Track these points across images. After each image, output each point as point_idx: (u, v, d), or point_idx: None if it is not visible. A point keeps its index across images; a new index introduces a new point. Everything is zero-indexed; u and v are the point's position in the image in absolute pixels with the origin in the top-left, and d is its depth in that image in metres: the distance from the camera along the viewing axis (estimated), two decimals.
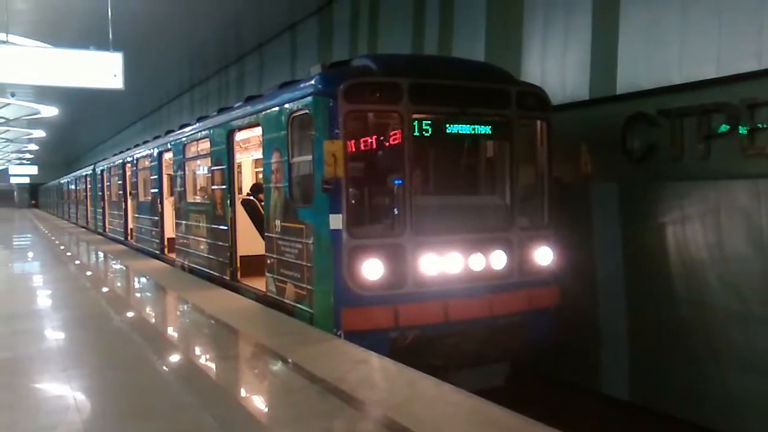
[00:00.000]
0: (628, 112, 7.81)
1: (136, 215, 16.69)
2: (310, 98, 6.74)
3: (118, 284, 11.56)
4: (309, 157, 6.79)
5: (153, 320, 8.27)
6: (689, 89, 7.15)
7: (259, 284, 8.40)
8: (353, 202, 6.70)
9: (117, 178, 19.30)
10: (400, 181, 6.62)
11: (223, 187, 9.50)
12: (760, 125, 6.51)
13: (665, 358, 7.49)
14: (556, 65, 8.98)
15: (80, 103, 27.74)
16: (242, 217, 9.67)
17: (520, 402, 4.76)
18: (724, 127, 6.82)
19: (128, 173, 17.53)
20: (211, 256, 10.23)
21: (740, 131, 6.65)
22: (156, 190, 14.11)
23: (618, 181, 7.99)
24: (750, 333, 6.64)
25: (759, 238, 6.52)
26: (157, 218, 14.15)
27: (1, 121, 33.45)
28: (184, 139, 11.88)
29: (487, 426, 4.07)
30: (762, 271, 6.50)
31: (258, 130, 8.63)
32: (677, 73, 7.24)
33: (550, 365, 8.25)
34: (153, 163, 14.35)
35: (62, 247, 18.95)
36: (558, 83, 8.73)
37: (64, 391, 5.06)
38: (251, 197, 10.33)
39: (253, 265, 8.98)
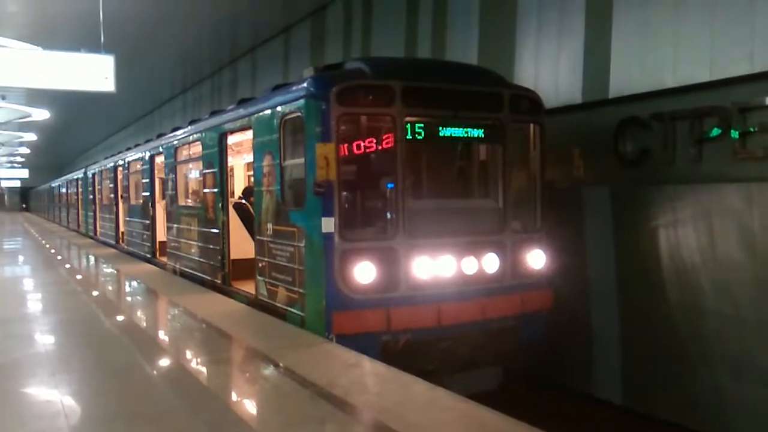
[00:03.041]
0: (620, 115, 7.82)
1: (128, 219, 16.59)
2: (302, 101, 6.71)
3: (109, 288, 11.47)
4: (301, 160, 6.75)
5: (143, 324, 8.20)
6: (682, 93, 7.16)
7: (250, 288, 8.34)
8: (345, 205, 6.67)
9: (108, 181, 19.19)
10: (393, 185, 6.59)
11: (215, 190, 9.45)
12: (751, 129, 6.53)
13: (657, 361, 7.48)
14: (548, 69, 8.98)
15: (72, 107, 27.60)
16: (234, 220, 9.61)
17: (513, 406, 4.73)
18: (716, 131, 6.83)
19: (120, 177, 17.44)
20: (202, 260, 10.16)
21: (732, 135, 6.66)
22: (147, 194, 14.03)
23: (611, 185, 7.99)
24: (742, 336, 6.64)
25: (750, 241, 6.53)
26: (148, 222, 14.06)
27: None
28: (175, 142, 11.82)
29: (481, 430, 4.04)
30: (753, 274, 6.51)
31: (250, 133, 8.58)
32: (670, 77, 7.25)
33: (542, 369, 8.23)
34: (144, 167, 14.27)
35: (53, 251, 18.82)
36: (551, 87, 8.74)
37: (52, 396, 4.99)
38: (243, 200, 10.28)
39: (245, 268, 8.93)
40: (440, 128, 6.82)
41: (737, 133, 6.61)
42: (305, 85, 6.73)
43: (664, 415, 7.40)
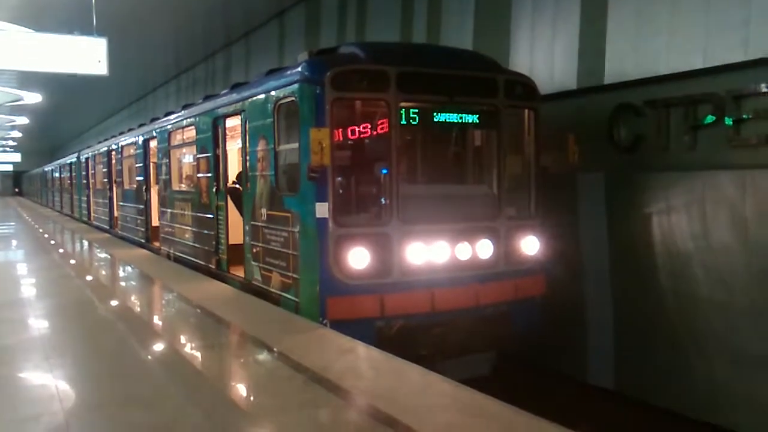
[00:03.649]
0: (615, 102, 7.81)
1: (121, 203, 16.54)
2: (296, 85, 6.67)
3: (103, 273, 11.46)
4: (295, 145, 6.74)
5: (137, 309, 8.21)
6: (676, 80, 7.15)
7: (244, 273, 8.34)
8: (339, 190, 6.66)
9: (102, 166, 19.11)
10: (387, 170, 6.59)
11: (209, 175, 9.42)
12: (745, 116, 6.53)
13: (650, 347, 7.53)
14: (544, 54, 8.95)
15: (64, 90, 27.39)
16: (230, 205, 9.59)
17: (506, 391, 4.77)
18: (710, 118, 6.83)
19: (113, 161, 17.36)
20: (197, 245, 10.15)
21: (726, 122, 6.67)
22: (141, 179, 13.98)
23: (605, 171, 8.00)
24: (734, 323, 6.69)
25: (743, 228, 6.56)
26: (142, 206, 14.03)
27: None
28: (169, 126, 11.76)
29: (474, 415, 4.07)
30: (746, 261, 6.55)
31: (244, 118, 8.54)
32: (664, 64, 7.24)
33: (536, 354, 8.28)
34: (138, 151, 14.21)
35: (46, 236, 18.76)
36: (546, 72, 8.72)
37: (46, 380, 5.00)
38: (237, 185, 10.24)
39: (239, 253, 8.92)
40: (435, 114, 6.81)
41: (731, 120, 6.62)
42: (299, 69, 6.70)
43: (657, 400, 7.46)
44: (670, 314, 7.31)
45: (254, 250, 7.79)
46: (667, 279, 7.34)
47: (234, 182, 10.60)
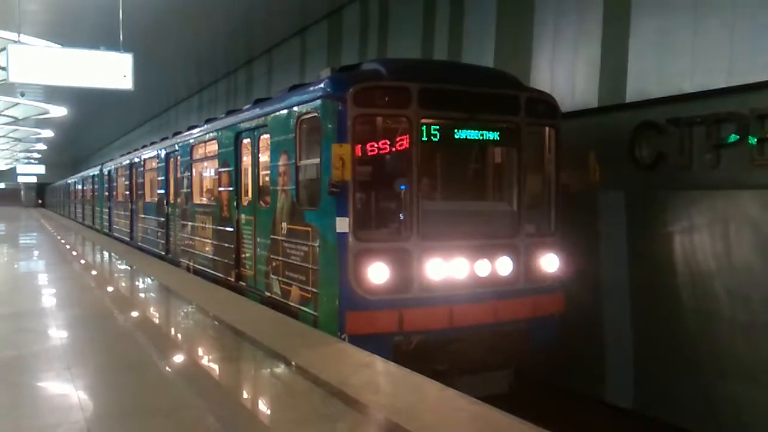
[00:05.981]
0: (637, 120, 7.79)
1: (142, 216, 16.72)
2: (319, 101, 6.74)
3: (122, 284, 11.56)
4: (317, 160, 6.79)
5: (156, 320, 8.26)
6: (699, 98, 7.12)
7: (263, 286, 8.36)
8: (360, 205, 6.69)
9: (124, 178, 19.35)
10: (407, 186, 6.61)
11: (230, 188, 9.50)
12: None
13: (671, 367, 7.44)
14: (565, 72, 8.96)
15: (89, 104, 27.85)
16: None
17: (523, 409, 4.73)
18: (733, 137, 6.79)
19: (135, 174, 17.57)
20: (216, 258, 10.22)
21: (750, 141, 6.62)
22: (162, 191, 14.13)
23: (626, 189, 7.96)
24: (756, 343, 6.59)
25: (767, 248, 6.48)
26: (162, 219, 14.16)
27: (10, 120, 33.64)
28: (191, 140, 11.90)
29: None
30: None
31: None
32: (687, 82, 7.21)
33: (554, 372, 8.21)
34: (160, 165, 14.38)
35: (68, 247, 18.99)
36: (567, 90, 8.72)
37: (67, 389, 5.06)
38: None
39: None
40: (456, 130, 6.83)
41: (755, 139, 6.57)
42: (322, 85, 6.76)
43: (676, 421, 7.35)
44: (692, 333, 7.22)
45: (274, 264, 7.83)
46: (689, 298, 7.26)
47: None
